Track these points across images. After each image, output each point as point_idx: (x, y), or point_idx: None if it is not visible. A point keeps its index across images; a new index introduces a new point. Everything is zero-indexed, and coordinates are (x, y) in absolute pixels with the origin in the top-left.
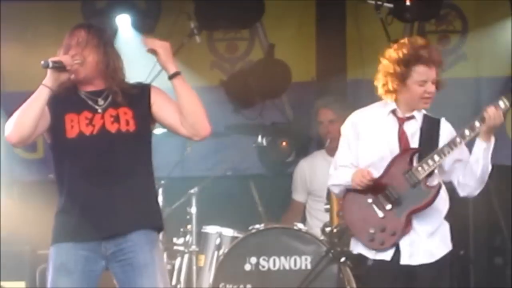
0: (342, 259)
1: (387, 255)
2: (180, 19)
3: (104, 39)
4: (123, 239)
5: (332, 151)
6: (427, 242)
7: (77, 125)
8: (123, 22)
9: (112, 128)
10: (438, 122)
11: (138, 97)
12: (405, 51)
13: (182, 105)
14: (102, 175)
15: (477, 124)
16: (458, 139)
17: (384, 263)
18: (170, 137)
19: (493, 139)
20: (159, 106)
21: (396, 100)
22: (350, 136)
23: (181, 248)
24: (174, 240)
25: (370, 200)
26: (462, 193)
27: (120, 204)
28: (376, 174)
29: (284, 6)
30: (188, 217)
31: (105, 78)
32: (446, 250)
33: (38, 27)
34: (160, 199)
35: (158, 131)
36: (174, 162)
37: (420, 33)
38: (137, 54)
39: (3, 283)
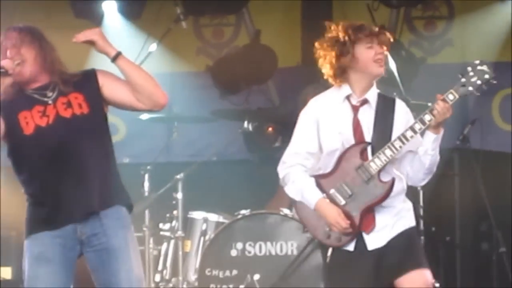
0: None
1: (350, 247)
2: (166, 4)
3: (37, 35)
4: (98, 222)
5: None
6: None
7: (31, 120)
8: (110, 7)
9: (66, 113)
10: (393, 103)
11: (85, 81)
12: (340, 31)
13: (133, 83)
14: (65, 161)
15: (427, 117)
16: (409, 133)
17: (349, 253)
18: (156, 123)
19: (442, 131)
20: (109, 88)
21: (348, 82)
22: (309, 123)
23: (167, 233)
24: (160, 225)
25: (324, 196)
26: (409, 182)
27: (87, 185)
28: (324, 166)
29: None
30: (174, 202)
31: (47, 72)
32: (409, 225)
33: (25, 13)
34: (146, 184)
35: (144, 116)
36: (160, 148)
37: (407, 18)
38: (124, 39)
39: None
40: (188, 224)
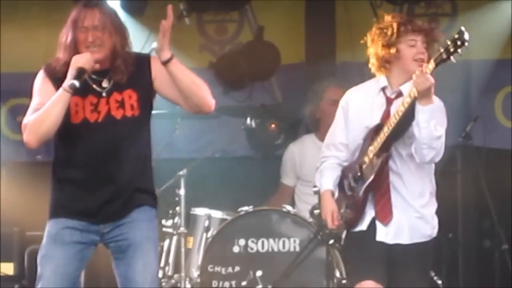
0: (331, 241)
1: (363, 226)
2: (169, 1)
3: (117, 19)
4: (123, 218)
5: (323, 136)
6: (405, 223)
7: (81, 111)
8: (112, 3)
9: (118, 114)
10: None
11: (140, 75)
12: (389, 22)
13: (180, 89)
14: (106, 160)
15: (412, 91)
16: (401, 108)
17: (362, 232)
18: (159, 119)
19: (431, 103)
20: (161, 83)
21: (389, 74)
22: (342, 114)
23: (170, 230)
24: (163, 222)
25: (345, 180)
26: (417, 160)
27: (123, 190)
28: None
29: None
30: (176, 199)
31: (112, 56)
32: (425, 237)
33: (28, 9)
34: None
35: None
36: (162, 144)
37: (410, 15)
38: None
39: None
40: (190, 221)
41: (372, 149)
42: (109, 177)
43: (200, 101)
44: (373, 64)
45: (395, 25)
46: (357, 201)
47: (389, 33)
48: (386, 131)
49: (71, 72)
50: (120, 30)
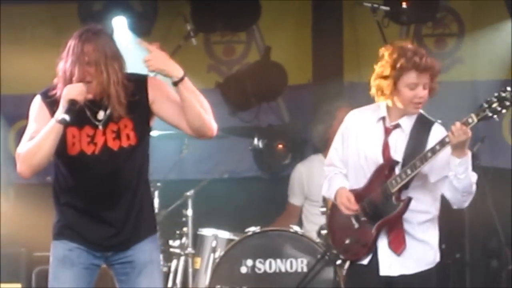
0: (338, 262)
1: (364, 261)
2: (176, 21)
3: (113, 49)
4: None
5: None
6: (407, 254)
7: (78, 143)
8: (119, 24)
9: (114, 145)
10: (429, 128)
11: (137, 100)
12: (395, 55)
13: (186, 111)
14: (105, 192)
15: (446, 139)
16: (429, 154)
17: (362, 267)
18: (166, 140)
19: (467, 154)
20: (159, 106)
21: (389, 104)
22: (342, 135)
23: (177, 250)
24: (170, 242)
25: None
26: (453, 206)
27: (123, 221)
28: (356, 182)
29: (280, 8)
30: (184, 219)
31: (107, 89)
32: (429, 265)
33: (35, 29)
34: (156, 201)
35: (154, 133)
36: (170, 165)
37: (417, 36)
38: (134, 56)
39: None
40: (198, 241)
41: (391, 187)
42: (109, 207)
43: (203, 124)
44: (373, 91)
45: (399, 63)
46: (367, 237)
47: (389, 68)
48: (409, 173)
49: (62, 104)
50: (113, 64)
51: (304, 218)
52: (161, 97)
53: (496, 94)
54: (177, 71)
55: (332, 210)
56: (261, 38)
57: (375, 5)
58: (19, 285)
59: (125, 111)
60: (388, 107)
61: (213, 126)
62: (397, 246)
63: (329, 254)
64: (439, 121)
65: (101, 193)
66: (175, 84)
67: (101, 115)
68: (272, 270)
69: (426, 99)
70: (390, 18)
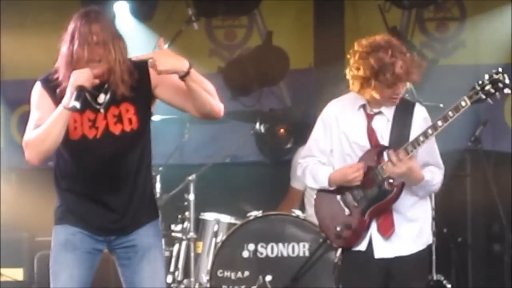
0: None
1: (362, 247)
2: (178, 6)
3: (116, 30)
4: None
5: None
6: (400, 236)
7: (80, 127)
8: (121, 8)
9: (116, 129)
10: (411, 111)
11: (139, 85)
12: (373, 60)
13: (195, 100)
14: (106, 177)
15: (439, 123)
16: (421, 138)
17: (360, 253)
18: (168, 124)
19: (422, 179)
20: (164, 90)
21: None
22: (322, 125)
23: (179, 235)
24: (172, 227)
25: (338, 197)
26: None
27: (125, 206)
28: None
29: None
30: (186, 204)
31: (111, 70)
32: (421, 246)
33: (37, 15)
34: (158, 186)
35: (156, 118)
36: (172, 149)
37: (418, 20)
38: (135, 40)
39: (1, 270)
40: (200, 226)
41: (382, 172)
42: (111, 192)
43: (212, 109)
44: (351, 84)
45: (377, 67)
46: (359, 223)
47: (370, 71)
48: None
49: (70, 90)
50: (119, 43)
51: (306, 202)
52: (164, 81)
53: (488, 76)
54: (183, 65)
55: (318, 198)
56: (262, 23)
57: None
58: (21, 270)
59: (127, 90)
60: (368, 98)
61: (221, 108)
62: (386, 230)
63: None
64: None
65: (102, 178)
66: (182, 78)
67: (101, 98)
68: (274, 255)
69: (403, 92)
70: (392, 2)
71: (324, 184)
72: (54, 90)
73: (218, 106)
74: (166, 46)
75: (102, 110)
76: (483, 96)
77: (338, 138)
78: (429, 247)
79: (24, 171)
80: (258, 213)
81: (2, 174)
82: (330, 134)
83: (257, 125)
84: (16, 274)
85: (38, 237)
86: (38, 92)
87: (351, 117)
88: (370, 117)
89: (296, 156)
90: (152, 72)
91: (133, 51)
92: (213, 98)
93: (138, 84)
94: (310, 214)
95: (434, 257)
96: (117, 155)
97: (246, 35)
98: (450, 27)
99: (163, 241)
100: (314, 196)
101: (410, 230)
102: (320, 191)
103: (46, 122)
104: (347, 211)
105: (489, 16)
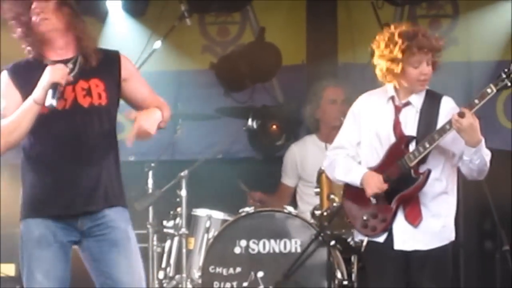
0: (332, 243)
1: (380, 238)
2: (171, 2)
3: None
4: (100, 214)
5: (324, 137)
6: (421, 230)
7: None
8: (114, 5)
9: (85, 102)
10: (438, 102)
11: (108, 67)
12: (397, 38)
13: None
14: (75, 150)
15: (464, 110)
16: (447, 126)
17: (379, 245)
18: None
19: (481, 140)
20: (132, 86)
21: (395, 83)
22: (352, 119)
23: (171, 231)
24: (164, 222)
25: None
26: (468, 178)
27: (94, 180)
28: (370, 161)
29: None
30: (178, 200)
31: (71, 43)
32: (443, 241)
33: None
34: (150, 182)
35: None
36: (164, 145)
37: (411, 17)
38: (128, 36)
39: None
40: (192, 222)
41: (409, 160)
42: (80, 166)
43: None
44: (379, 74)
45: (400, 43)
46: (386, 212)
47: (394, 51)
48: (427, 146)
49: (44, 87)
50: (69, 12)
51: (298, 198)
52: (134, 77)
53: None
54: (154, 125)
55: (346, 188)
56: (255, 19)
57: None
58: (12, 265)
59: (96, 69)
60: (395, 88)
61: (167, 110)
62: (414, 218)
63: (323, 235)
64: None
65: (71, 151)
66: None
67: (69, 67)
68: (266, 251)
69: (430, 75)
70: None
71: (356, 183)
72: (21, 79)
73: (168, 108)
74: (159, 44)
75: (71, 78)
76: (509, 84)
77: (366, 131)
78: (452, 244)
79: (16, 166)
80: (250, 209)
81: None
82: (359, 126)
83: (250, 122)
84: (8, 269)
85: None
86: (5, 81)
87: (380, 109)
88: (398, 109)
89: (288, 152)
90: (123, 64)
91: (125, 47)
92: (166, 109)
93: (108, 66)
94: (302, 210)
95: None
96: (85, 126)
97: (239, 32)
98: (442, 24)
99: (155, 237)
100: (317, 189)
101: (432, 224)
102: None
103: (15, 114)
104: (373, 201)
105: (481, 14)
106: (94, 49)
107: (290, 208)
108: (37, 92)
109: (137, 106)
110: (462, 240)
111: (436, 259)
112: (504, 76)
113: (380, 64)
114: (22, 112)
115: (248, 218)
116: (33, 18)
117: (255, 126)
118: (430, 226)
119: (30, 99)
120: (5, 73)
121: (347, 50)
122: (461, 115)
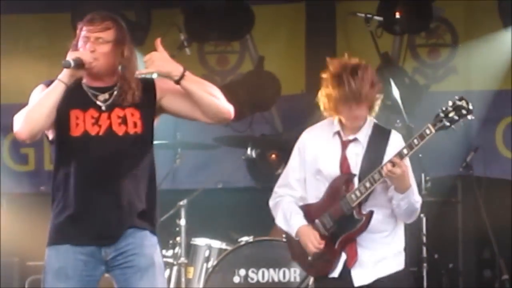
0: None
1: (335, 273)
2: (170, 31)
3: (122, 36)
4: (124, 241)
5: None
6: (376, 261)
7: (82, 123)
8: None
9: (120, 130)
10: (387, 137)
11: (144, 96)
12: (332, 76)
13: (196, 103)
14: (106, 178)
15: (404, 151)
16: (385, 168)
17: (335, 280)
18: (160, 149)
19: (409, 187)
20: (170, 100)
21: (341, 119)
22: (297, 154)
23: (170, 260)
24: (163, 252)
25: (306, 224)
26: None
27: (123, 210)
28: (313, 196)
29: (274, 18)
30: (177, 229)
31: (114, 75)
32: (396, 268)
33: (29, 40)
34: None
35: None
36: (163, 174)
37: (410, 46)
38: None
39: None
40: (191, 251)
41: (351, 201)
42: (109, 194)
43: (218, 110)
44: (322, 108)
45: (335, 84)
46: (330, 252)
47: (331, 89)
48: (368, 186)
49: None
50: (122, 47)
51: None
52: (170, 91)
53: (451, 103)
54: (176, 70)
55: None
56: (254, 48)
57: (369, 15)
58: None
59: (132, 99)
60: (340, 121)
61: (229, 109)
62: (350, 260)
63: None
64: (398, 121)
65: (102, 178)
66: (177, 82)
67: (104, 98)
68: (265, 280)
69: (363, 114)
70: (384, 28)
71: (292, 233)
72: None
73: (225, 107)
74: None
75: (104, 108)
76: (447, 123)
77: (310, 167)
78: (408, 270)
79: (15, 196)
80: (249, 238)
81: None
82: (304, 161)
83: (249, 151)
84: None
85: (29, 261)
86: (38, 90)
87: (326, 144)
88: (344, 144)
89: None
90: (157, 84)
91: None
92: (218, 99)
93: (144, 94)
94: None
95: (425, 283)
96: (118, 155)
97: (238, 61)
98: (441, 53)
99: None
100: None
101: (383, 252)
102: None
103: (40, 95)
104: (310, 258)
105: (481, 43)
106: (134, 83)
107: None
108: (63, 73)
109: (191, 113)
110: (462, 269)
111: (397, 281)
112: (442, 115)
113: (322, 98)
114: (47, 92)
115: (247, 247)
116: (92, 60)
117: (254, 155)
118: (382, 255)
119: (56, 80)
120: (40, 85)
121: None
122: (393, 164)
